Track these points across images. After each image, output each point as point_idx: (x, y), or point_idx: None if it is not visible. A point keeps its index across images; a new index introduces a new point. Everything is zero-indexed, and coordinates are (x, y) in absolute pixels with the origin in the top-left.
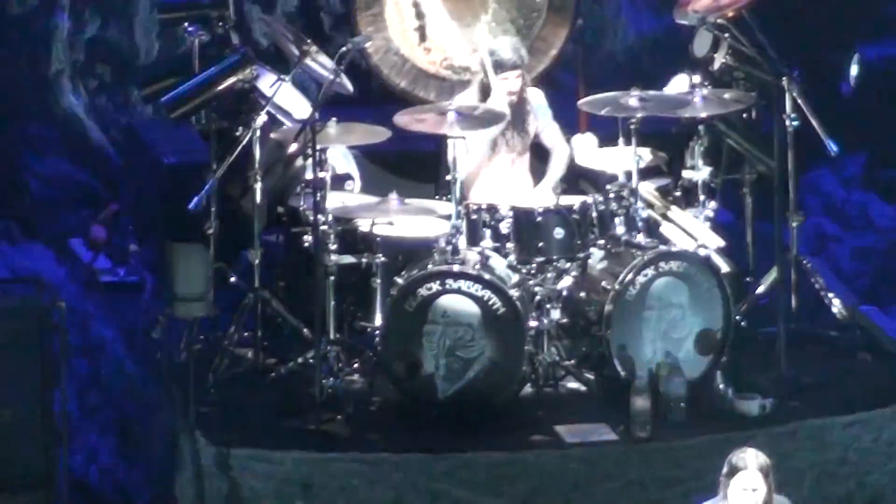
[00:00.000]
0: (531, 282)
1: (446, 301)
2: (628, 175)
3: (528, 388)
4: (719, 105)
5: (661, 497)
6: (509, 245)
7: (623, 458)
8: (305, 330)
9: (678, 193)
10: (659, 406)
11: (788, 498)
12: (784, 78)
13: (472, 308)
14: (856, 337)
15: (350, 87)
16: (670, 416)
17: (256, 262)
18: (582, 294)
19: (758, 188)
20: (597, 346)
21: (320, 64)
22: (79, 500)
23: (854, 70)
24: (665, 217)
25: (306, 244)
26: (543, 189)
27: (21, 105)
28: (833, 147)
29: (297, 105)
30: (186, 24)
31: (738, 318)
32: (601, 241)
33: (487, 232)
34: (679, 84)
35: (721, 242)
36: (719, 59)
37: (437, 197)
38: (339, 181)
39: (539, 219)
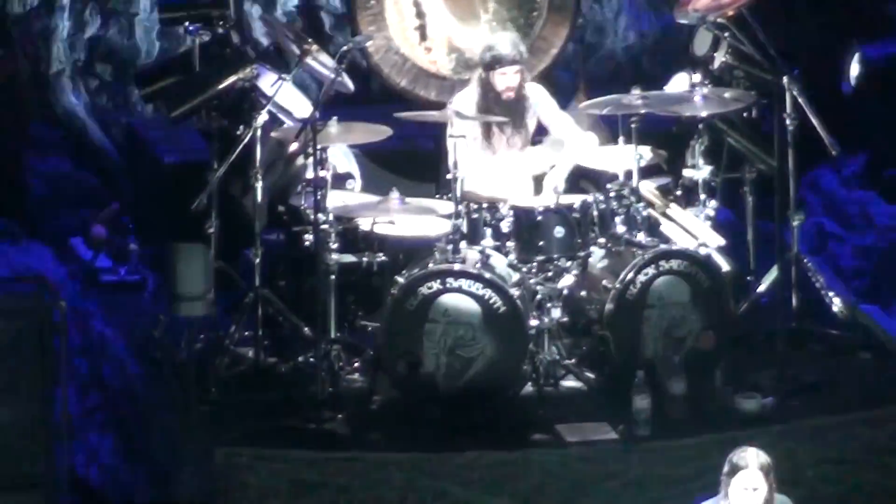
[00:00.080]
0: (532, 280)
1: (447, 300)
2: (629, 174)
3: (528, 387)
4: (720, 104)
5: (661, 496)
6: (510, 244)
7: (624, 456)
8: (306, 329)
9: (679, 192)
10: (659, 405)
11: (789, 497)
12: (784, 77)
13: (472, 307)
14: (856, 336)
15: (351, 86)
16: (671, 415)
17: (257, 260)
18: (583, 293)
19: (758, 187)
20: (597, 344)
21: (321, 63)
22: (80, 500)
23: (855, 69)
24: (665, 216)
25: (307, 243)
26: (553, 179)
27: (21, 104)
28: (834, 146)
29: (298, 104)
30: (187, 23)
31: (738, 316)
32: (602, 240)
33: (488, 231)
34: (679, 83)
35: (721, 241)
36: (719, 58)
37: (437, 196)
38: (340, 180)
39: (540, 218)
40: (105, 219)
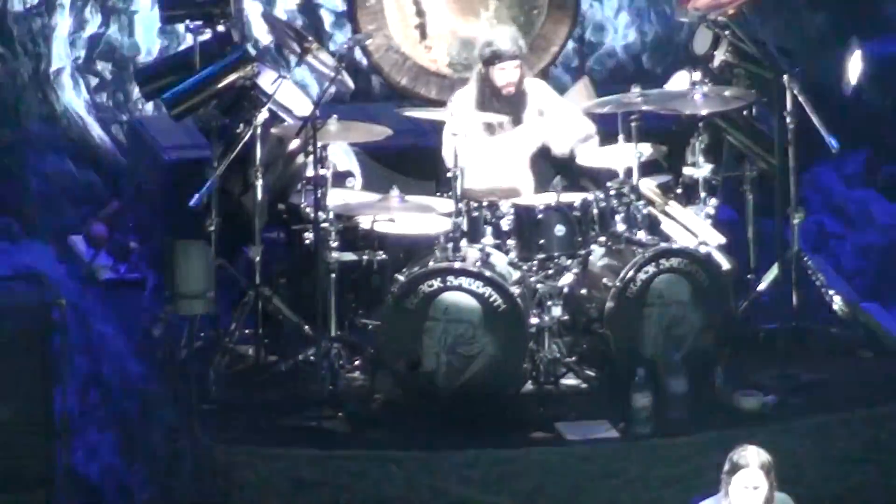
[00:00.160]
0: (532, 279)
1: (447, 298)
2: (629, 172)
3: (528, 386)
4: (720, 102)
5: (661, 494)
6: (510, 242)
7: (624, 455)
8: (306, 327)
9: (679, 190)
10: (660, 403)
11: (790, 495)
12: (785, 75)
13: (473, 305)
14: (857, 334)
15: (351, 84)
16: (671, 414)
17: (257, 259)
18: (583, 291)
19: (759, 185)
20: (598, 343)
21: (321, 61)
22: (80, 498)
23: (856, 66)
24: (666, 214)
25: (307, 241)
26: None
27: (22, 103)
28: (834, 144)
29: (298, 102)
30: (187, 21)
31: (739, 315)
32: (602, 238)
33: (488, 229)
34: (679, 81)
35: (722, 239)
36: (720, 57)
37: (438, 194)
38: (340, 178)
39: (540, 216)
40: (105, 217)
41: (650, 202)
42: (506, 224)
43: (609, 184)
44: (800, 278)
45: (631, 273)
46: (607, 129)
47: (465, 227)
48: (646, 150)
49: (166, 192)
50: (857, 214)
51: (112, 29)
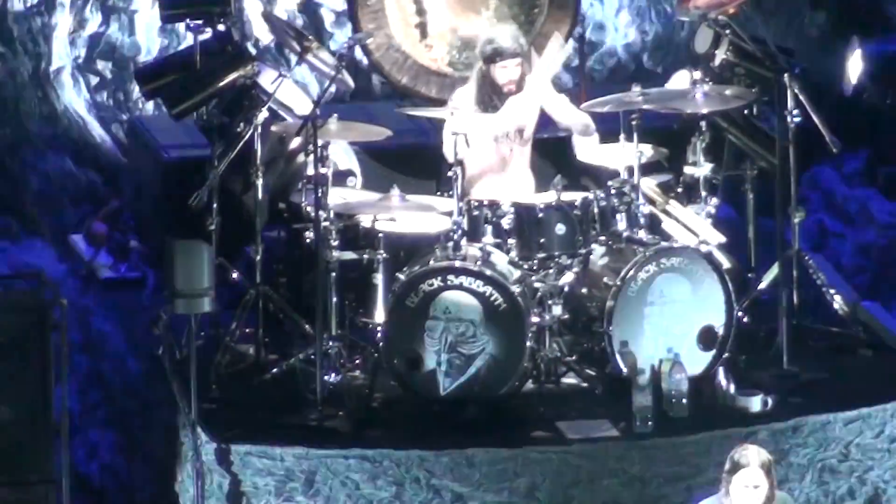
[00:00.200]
0: (533, 278)
1: (448, 297)
2: (630, 171)
3: (529, 385)
4: (720, 101)
5: (662, 493)
6: (511, 241)
7: (624, 454)
8: (307, 326)
9: (680, 189)
10: (661, 402)
11: (790, 494)
12: (785, 74)
13: (473, 304)
14: (857, 333)
15: (351, 83)
16: (672, 413)
17: (258, 258)
18: (583, 290)
19: (759, 184)
20: (598, 342)
21: (321, 60)
22: (80, 497)
23: (855, 66)
24: (666, 213)
25: (308, 240)
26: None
27: (22, 102)
28: (834, 143)
29: (299, 101)
30: (188, 20)
31: (739, 314)
32: (603, 238)
33: (489, 228)
34: (680, 80)
35: (722, 238)
36: (720, 56)
37: (438, 193)
38: (341, 177)
39: (540, 215)
40: (105, 216)
41: (651, 201)
42: (506, 223)
43: (610, 183)
44: (800, 277)
45: (631, 272)
46: (608, 129)
47: (465, 226)
48: (647, 151)
49: (166, 191)
50: (857, 213)
51: (112, 28)
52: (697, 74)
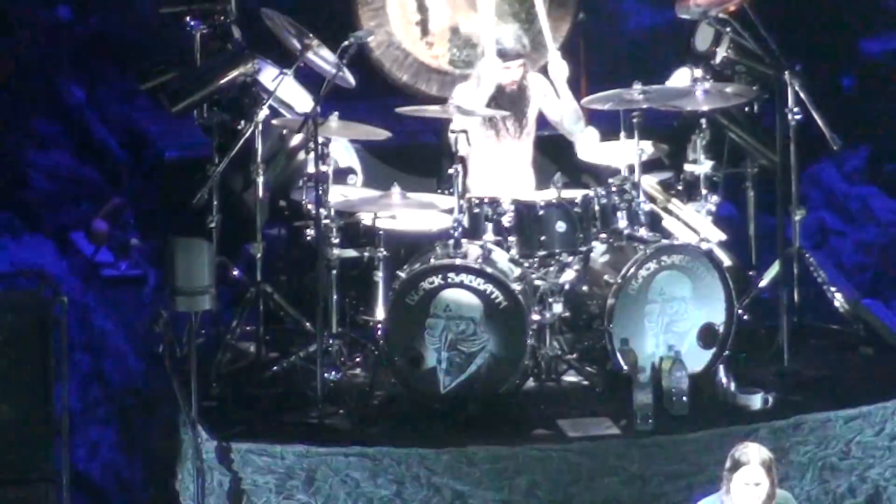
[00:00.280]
0: (533, 275)
1: (449, 295)
2: (630, 169)
3: (530, 382)
4: (721, 99)
5: (662, 491)
6: (511, 239)
7: (625, 452)
8: (307, 324)
9: (680, 187)
10: (661, 400)
11: (791, 492)
12: (786, 71)
13: (474, 302)
14: (858, 331)
15: (352, 80)
16: (672, 410)
17: (259, 255)
18: (584, 288)
19: (760, 182)
20: (599, 339)
21: (322, 58)
22: (80, 495)
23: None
24: (667, 211)
25: (308, 238)
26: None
27: (23, 99)
28: (835, 140)
29: (299, 99)
30: (188, 17)
31: (740, 311)
32: (603, 235)
33: (489, 225)
34: (681, 78)
35: (723, 236)
36: (721, 53)
37: (439, 191)
38: (342, 175)
39: (541, 212)
40: (106, 214)
41: (651, 199)
42: (507, 221)
43: (610, 180)
44: (801, 275)
45: (632, 270)
46: (609, 126)
47: (466, 223)
48: (647, 148)
49: (167, 188)
50: (857, 211)
51: (113, 25)
52: (698, 72)
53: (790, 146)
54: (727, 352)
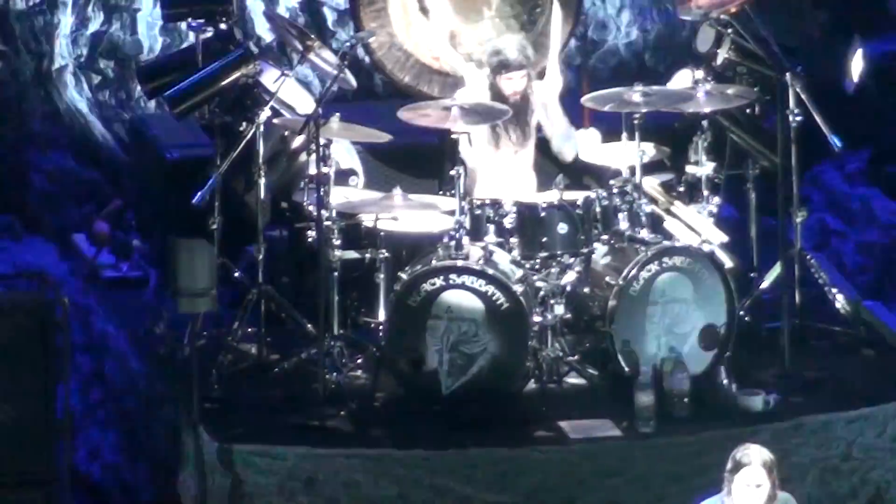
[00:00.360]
0: (535, 277)
1: (450, 296)
2: (632, 170)
3: (531, 384)
4: (722, 100)
5: (664, 493)
6: (513, 240)
7: (627, 453)
8: (309, 325)
9: (682, 189)
10: (663, 402)
11: (792, 494)
12: (787, 73)
13: (475, 303)
14: (859, 332)
15: (353, 82)
16: (674, 412)
17: (260, 257)
18: (586, 289)
19: (761, 183)
20: (600, 341)
21: (324, 59)
22: (82, 497)
23: (858, 64)
24: (668, 212)
25: (310, 239)
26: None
27: (24, 100)
28: (836, 142)
29: (301, 100)
30: (189, 19)
31: (741, 313)
32: (605, 237)
33: (491, 227)
34: (682, 79)
35: (724, 238)
36: (722, 55)
37: (440, 192)
38: (343, 176)
39: (543, 214)
40: (108, 215)
41: (653, 200)
42: (508, 222)
43: (612, 182)
44: (802, 276)
45: (634, 271)
46: (610, 128)
47: (467, 225)
48: (649, 150)
49: (169, 190)
50: (859, 212)
51: (114, 27)
52: (699, 74)
53: (791, 148)
54: (728, 353)
